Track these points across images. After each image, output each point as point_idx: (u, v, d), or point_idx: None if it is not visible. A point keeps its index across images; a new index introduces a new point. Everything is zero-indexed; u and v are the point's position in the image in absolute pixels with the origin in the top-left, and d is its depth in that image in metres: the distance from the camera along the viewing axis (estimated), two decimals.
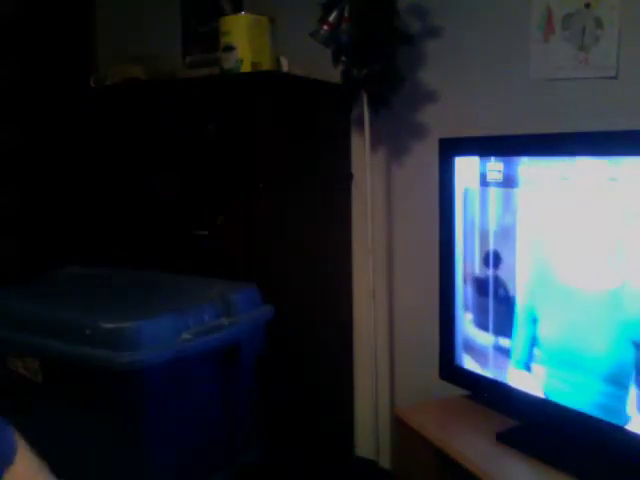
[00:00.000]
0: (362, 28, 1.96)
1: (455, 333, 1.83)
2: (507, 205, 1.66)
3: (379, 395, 2.28)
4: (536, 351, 1.60)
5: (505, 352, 1.68)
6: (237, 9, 2.50)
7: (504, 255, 1.68)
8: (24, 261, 2.64)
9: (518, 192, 1.62)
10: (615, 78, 1.83)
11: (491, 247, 1.71)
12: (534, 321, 1.60)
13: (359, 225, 2.40)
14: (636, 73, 1.80)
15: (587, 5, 1.85)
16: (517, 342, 1.65)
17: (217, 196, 2.14)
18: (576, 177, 1.47)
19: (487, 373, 1.75)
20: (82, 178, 2.55)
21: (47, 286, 2.08)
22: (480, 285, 1.74)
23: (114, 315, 1.63)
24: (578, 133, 1.51)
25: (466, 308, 1.80)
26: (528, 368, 1.63)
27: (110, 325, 1.57)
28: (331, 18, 1.97)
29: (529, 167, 1.60)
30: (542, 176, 1.56)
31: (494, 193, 1.68)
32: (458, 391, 1.88)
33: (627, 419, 1.40)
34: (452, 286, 1.82)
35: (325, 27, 1.98)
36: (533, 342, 1.61)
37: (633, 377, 1.38)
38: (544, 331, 1.58)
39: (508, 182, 1.64)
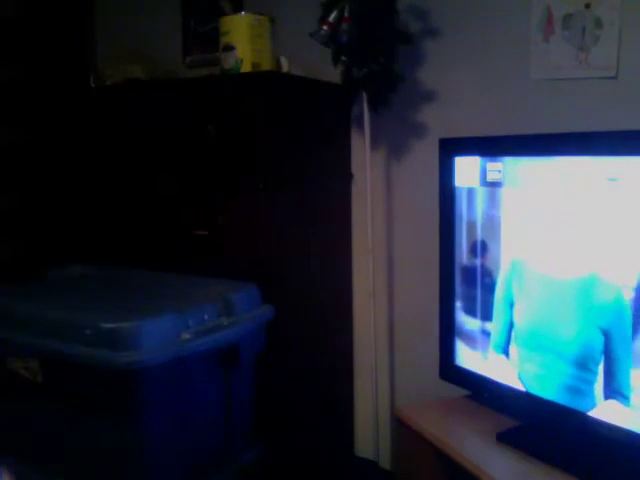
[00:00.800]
0: (362, 28, 1.96)
1: (455, 333, 1.83)
2: (507, 205, 1.66)
3: (379, 395, 2.28)
4: (513, 334, 1.65)
5: (488, 335, 1.73)
6: (237, 9, 2.50)
7: (504, 256, 1.68)
8: (24, 261, 2.64)
9: (518, 192, 1.62)
10: (615, 78, 1.83)
11: (491, 248, 1.71)
12: (511, 306, 1.65)
13: (359, 225, 2.40)
14: (636, 73, 1.80)
15: (587, 5, 1.85)
16: (495, 326, 1.70)
17: (217, 196, 2.15)
18: (576, 177, 1.48)
19: (475, 355, 1.78)
20: (82, 178, 2.56)
21: (47, 286, 2.08)
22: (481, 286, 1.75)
23: (114, 315, 1.63)
24: (578, 133, 1.51)
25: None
26: (506, 353, 1.67)
27: (110, 325, 1.57)
28: (331, 18, 1.97)
29: (529, 167, 1.60)
30: (542, 176, 1.56)
31: (494, 193, 1.68)
32: (458, 391, 1.88)
33: (594, 404, 1.45)
34: (452, 286, 1.82)
35: (325, 27, 1.98)
36: (510, 326, 1.66)
37: (600, 362, 1.43)
38: (519, 315, 1.64)
39: (508, 182, 1.64)
